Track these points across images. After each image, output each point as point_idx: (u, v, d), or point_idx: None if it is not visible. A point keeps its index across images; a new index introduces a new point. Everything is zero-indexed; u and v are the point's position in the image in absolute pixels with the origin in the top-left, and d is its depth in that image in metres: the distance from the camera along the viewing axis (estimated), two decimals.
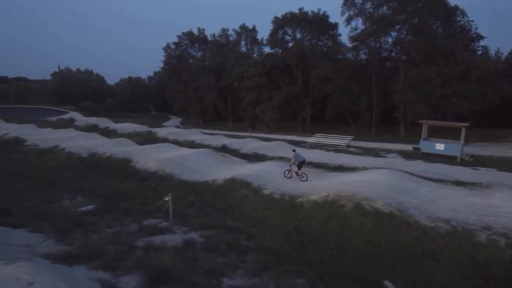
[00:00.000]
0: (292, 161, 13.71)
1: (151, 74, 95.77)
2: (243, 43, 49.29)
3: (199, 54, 55.52)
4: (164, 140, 27.45)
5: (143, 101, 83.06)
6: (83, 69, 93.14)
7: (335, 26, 41.41)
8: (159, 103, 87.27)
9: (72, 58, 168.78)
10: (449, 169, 18.24)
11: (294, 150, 14.88)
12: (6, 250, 5.63)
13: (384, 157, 22.89)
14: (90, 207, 10.32)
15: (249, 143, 26.90)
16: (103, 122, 39.67)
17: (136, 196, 12.15)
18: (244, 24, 47.69)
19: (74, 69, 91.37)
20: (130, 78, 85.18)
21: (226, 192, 12.40)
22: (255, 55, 49.81)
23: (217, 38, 49.16)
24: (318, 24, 40.67)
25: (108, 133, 30.51)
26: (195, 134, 31.21)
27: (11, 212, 8.61)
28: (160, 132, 30.08)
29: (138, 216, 9.87)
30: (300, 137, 38.07)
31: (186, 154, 17.81)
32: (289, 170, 13.66)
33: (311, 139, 30.69)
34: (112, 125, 36.19)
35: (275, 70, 43.03)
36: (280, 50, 43.15)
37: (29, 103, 57.05)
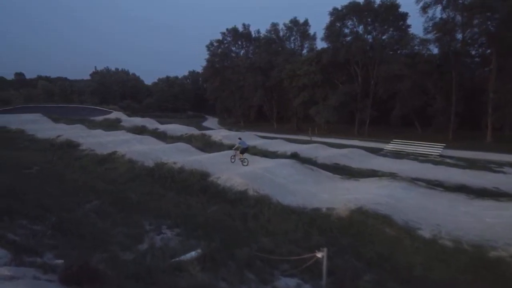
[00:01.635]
0: (236, 147, 15.85)
1: (186, 73, 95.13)
2: (292, 38, 45.65)
3: (242, 52, 52.77)
4: (220, 144, 24.69)
5: (179, 100, 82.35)
6: (119, 69, 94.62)
7: (405, 16, 36.51)
8: (194, 103, 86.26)
9: (108, 59, 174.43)
10: None
11: (240, 138, 17.03)
12: None
13: (502, 172, 18.29)
14: (194, 253, 7.30)
15: (319, 150, 23.33)
16: (149, 122, 37.87)
17: (238, 231, 9.04)
18: (295, 17, 44.17)
19: (113, 69, 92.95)
20: (167, 78, 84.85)
21: (360, 230, 8.93)
22: (304, 51, 46.08)
23: (266, 34, 45.99)
24: (386, 14, 35.98)
25: (159, 135, 28.34)
26: (252, 139, 28.13)
27: (100, 274, 5.73)
28: (214, 135, 27.32)
29: (265, 272, 6.71)
30: (362, 141, 33.87)
31: (270, 167, 14.58)
32: (234, 156, 15.83)
33: (389, 146, 26.47)
34: (159, 126, 34.12)
35: (331, 67, 39.01)
36: (337, 45, 38.86)
37: (73, 102, 57.42)
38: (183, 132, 30.97)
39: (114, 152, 17.53)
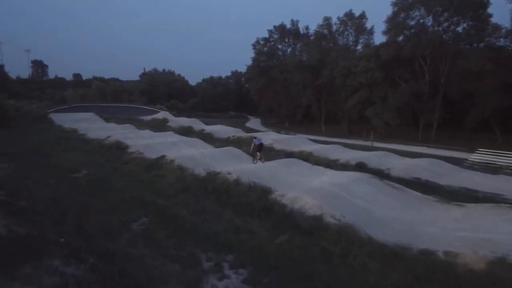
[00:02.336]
0: (252, 146, 15.91)
1: (229, 73, 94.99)
2: (345, 33, 41.86)
3: (289, 50, 50.16)
4: (271, 149, 22.41)
5: (222, 100, 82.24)
6: (165, 70, 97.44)
7: (485, 4, 30.98)
8: (236, 103, 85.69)
9: (155, 60, 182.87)
10: None
11: (255, 137, 17.53)
12: None
13: None
14: None
15: (389, 160, 19.93)
16: (195, 123, 37.07)
17: (324, 282, 6.60)
18: (350, 10, 40.32)
19: (160, 70, 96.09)
20: (211, 78, 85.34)
21: None
22: (358, 47, 42.04)
23: (317, 29, 42.80)
24: (461, 2, 30.76)
25: (205, 137, 27.02)
26: (304, 143, 25.52)
27: None
28: (264, 138, 25.07)
29: None
30: (431, 149, 29.32)
31: (342, 183, 11.86)
32: (254, 154, 15.75)
33: (474, 156, 22.01)
34: (205, 127, 32.97)
35: (393, 63, 34.69)
36: (402, 38, 34.29)
37: (123, 102, 59.53)
38: (229, 133, 29.36)
39: (163, 157, 16.13)
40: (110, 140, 20.51)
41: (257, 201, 10.36)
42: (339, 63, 37.00)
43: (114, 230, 8.43)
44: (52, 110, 39.86)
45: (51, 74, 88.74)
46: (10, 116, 28.39)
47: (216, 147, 20.71)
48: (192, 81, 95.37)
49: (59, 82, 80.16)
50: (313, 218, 9.18)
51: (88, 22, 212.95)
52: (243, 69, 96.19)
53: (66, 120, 32.86)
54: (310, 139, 29.43)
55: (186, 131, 29.71)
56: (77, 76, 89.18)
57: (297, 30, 47.16)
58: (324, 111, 44.66)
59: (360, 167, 17.16)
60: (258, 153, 15.48)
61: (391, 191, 12.03)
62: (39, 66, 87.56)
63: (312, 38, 44.97)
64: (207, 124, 39.04)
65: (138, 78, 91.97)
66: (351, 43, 41.79)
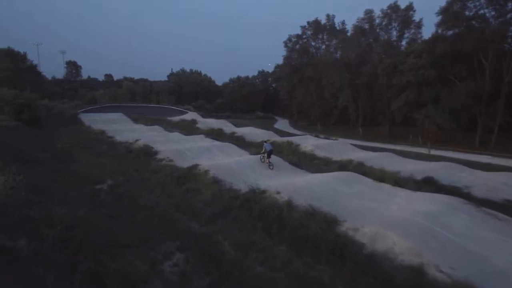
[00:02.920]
0: (263, 150, 15.41)
1: (255, 73, 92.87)
2: (389, 27, 37.96)
3: (323, 47, 47.04)
4: (312, 157, 19.81)
5: (249, 101, 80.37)
6: (193, 70, 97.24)
7: None
8: (262, 103, 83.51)
9: (183, 60, 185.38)
10: None
11: (265, 141, 17.44)
12: None
13: None
14: None
15: (459, 173, 16.62)
16: (224, 125, 35.18)
17: None
18: (396, 2, 36.46)
19: (187, 70, 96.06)
20: (238, 78, 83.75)
21: None
22: (403, 42, 38.10)
23: (357, 23, 39.24)
24: None
25: (237, 140, 24.95)
26: (349, 149, 22.64)
27: None
28: (302, 144, 22.52)
29: None
30: (497, 158, 25.23)
31: (431, 212, 9.03)
32: (263, 156, 15.34)
33: None
34: (235, 130, 30.87)
35: (446, 60, 30.65)
36: (461, 30, 29.97)
37: (152, 102, 59.30)
38: (262, 137, 27.03)
39: (195, 166, 14.09)
40: (139, 145, 18.91)
41: (322, 236, 7.86)
42: (383, 60, 33.40)
43: (141, 276, 6.36)
44: (83, 110, 39.80)
45: (84, 75, 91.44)
46: (42, 116, 27.97)
47: (252, 153, 18.41)
48: (219, 81, 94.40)
49: (92, 83, 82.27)
50: (410, 269, 6.54)
51: (120, 24, 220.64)
52: (269, 69, 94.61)
53: (96, 120, 32.24)
54: (353, 144, 26.39)
55: (217, 134, 27.81)
56: (108, 76, 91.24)
57: (332, 25, 43.95)
58: (361, 113, 41.07)
59: (430, 183, 14.08)
60: (268, 159, 15.01)
61: (496, 224, 9.05)
62: (73, 66, 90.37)
63: (350, 33, 41.52)
64: (236, 126, 37.08)
65: (166, 79, 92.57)
66: (394, 38, 37.94)
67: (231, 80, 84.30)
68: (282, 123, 64.76)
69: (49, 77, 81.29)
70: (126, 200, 10.86)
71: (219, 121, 37.49)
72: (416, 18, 36.49)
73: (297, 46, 47.23)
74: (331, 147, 21.92)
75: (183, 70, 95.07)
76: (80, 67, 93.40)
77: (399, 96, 32.29)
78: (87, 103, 48.40)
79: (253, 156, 17.31)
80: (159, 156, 16.67)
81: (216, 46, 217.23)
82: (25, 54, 37.83)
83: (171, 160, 15.98)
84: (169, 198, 11.18)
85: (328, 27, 44.08)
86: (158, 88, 72.89)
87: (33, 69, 38.35)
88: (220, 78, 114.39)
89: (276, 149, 21.07)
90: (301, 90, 46.21)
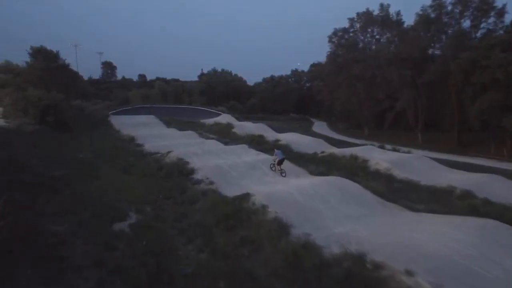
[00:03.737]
0: (273, 158, 14.44)
1: (288, 72, 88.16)
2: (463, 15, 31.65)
3: (373, 41, 41.46)
4: (391, 178, 15.14)
5: (283, 101, 76.00)
6: (224, 70, 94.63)
7: None
8: (296, 104, 78.82)
9: (213, 61, 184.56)
10: None
11: (277, 148, 15.57)
12: None
13: None
14: None
15: None
16: (263, 130, 31.25)
17: None
18: None
19: (219, 70, 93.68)
20: (272, 77, 79.77)
21: None
22: (479, 33, 31.71)
23: (422, 12, 33.28)
24: None
25: (284, 151, 20.91)
26: (435, 168, 17.56)
27: None
28: (371, 158, 17.80)
29: None
30: None
31: None
32: (274, 164, 14.40)
33: None
34: (277, 136, 26.73)
35: None
36: None
37: (184, 102, 56.99)
38: (312, 146, 22.72)
39: (247, 196, 10.24)
40: (171, 159, 15.45)
41: None
42: (459, 55, 27.45)
43: None
44: (114, 111, 37.91)
45: (119, 75, 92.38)
46: (71, 118, 25.78)
47: (313, 173, 14.21)
48: (250, 81, 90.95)
49: (126, 83, 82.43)
50: None
51: (152, 25, 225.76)
52: (303, 68, 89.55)
53: (126, 123, 29.77)
54: (441, 159, 20.97)
55: (257, 142, 23.95)
56: (142, 76, 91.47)
57: (387, 16, 38.33)
58: (422, 116, 35.11)
59: None
60: (278, 166, 14.17)
61: None
62: (108, 67, 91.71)
63: (406, 25, 35.69)
64: (274, 129, 33.02)
65: (197, 79, 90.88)
66: (468, 29, 31.65)
67: (264, 79, 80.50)
68: (320, 126, 59.73)
69: (86, 77, 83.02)
70: (153, 255, 7.17)
71: (257, 125, 33.63)
72: (498, 3, 30.01)
73: (342, 41, 42.01)
74: (410, 164, 17.05)
75: (214, 70, 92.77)
76: (116, 67, 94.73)
77: (481, 98, 26.23)
78: (119, 104, 46.92)
79: (318, 179, 13.10)
80: (196, 176, 13.01)
81: (245, 47, 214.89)
82: (57, 52, 36.42)
83: (211, 183, 12.25)
84: (216, 258, 7.31)
85: (381, 18, 38.54)
86: (190, 88, 70.83)
87: (65, 68, 36.83)
88: (250, 78, 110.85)
89: (334, 165, 16.74)
90: (345, 90, 40.99)
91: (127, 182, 12.72)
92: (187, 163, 14.45)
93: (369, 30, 41.41)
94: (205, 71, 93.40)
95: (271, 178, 13.65)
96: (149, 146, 19.19)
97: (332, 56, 41.77)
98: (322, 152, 20.08)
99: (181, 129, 28.19)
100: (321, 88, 48.97)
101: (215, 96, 76.24)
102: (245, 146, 19.00)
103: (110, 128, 27.10)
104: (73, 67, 73.06)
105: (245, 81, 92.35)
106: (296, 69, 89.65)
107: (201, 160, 15.34)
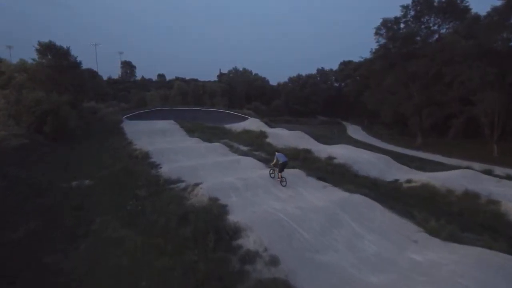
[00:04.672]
0: (274, 161, 12.17)
1: (314, 71, 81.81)
2: None
3: (429, 32, 34.74)
4: None
5: (310, 102, 69.80)
6: (245, 69, 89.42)
7: None
8: (323, 105, 72.55)
9: (231, 61, 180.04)
10: None
11: (277, 151, 13.59)
12: None
13: None
14: None
15: None
16: (303, 140, 25.65)
17: None
18: None
19: (240, 69, 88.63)
20: (298, 76, 73.82)
21: None
22: None
23: None
24: None
25: (341, 171, 15.32)
26: None
27: None
28: (470, 184, 11.80)
29: None
30: None
31: None
32: (273, 170, 12.48)
33: None
34: (328, 150, 21.00)
35: None
36: None
37: (205, 104, 52.27)
38: (382, 168, 16.93)
39: (319, 276, 4.67)
40: (200, 198, 10.19)
41: None
42: None
43: None
44: (129, 115, 33.51)
45: (138, 75, 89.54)
46: (73, 126, 21.31)
47: (438, 233, 8.47)
48: (273, 81, 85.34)
49: (144, 83, 79.18)
50: None
51: (171, 25, 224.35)
52: (330, 66, 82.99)
53: (141, 131, 25.05)
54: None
55: (304, 159, 18.45)
56: (161, 76, 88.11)
57: (452, 2, 31.61)
58: (500, 124, 28.20)
59: None
60: (280, 174, 11.78)
61: None
62: (127, 67, 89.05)
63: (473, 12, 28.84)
64: (317, 139, 27.32)
65: (216, 79, 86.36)
66: None
67: (290, 79, 74.61)
68: (355, 131, 53.36)
69: (105, 77, 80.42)
70: None
71: (294, 133, 28.00)
72: None
73: (390, 33, 35.53)
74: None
75: (235, 69, 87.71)
76: (135, 67, 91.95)
77: None
78: (136, 106, 42.69)
79: (470, 256, 7.39)
80: (246, 243, 7.60)
81: (268, 44, 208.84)
82: (68, 49, 32.35)
83: (274, 262, 6.84)
84: None
85: (444, 5, 31.88)
86: (211, 89, 66.06)
87: (77, 67, 32.76)
88: (274, 77, 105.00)
89: (439, 206, 10.92)
90: (398, 91, 34.47)
91: (133, 243, 7.57)
92: (225, 211, 9.11)
93: (425, 19, 34.71)
94: (225, 71, 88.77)
95: (365, 241, 8.08)
96: (168, 168, 14.08)
97: (381, 51, 35.14)
98: (408, 181, 14.18)
99: (206, 138, 23.05)
100: (352, 88, 42.34)
101: (236, 97, 71.28)
102: (300, 174, 13.41)
103: (121, 138, 22.37)
104: (93, 67, 70.50)
105: (267, 81, 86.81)
106: (322, 67, 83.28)
107: (245, 202, 9.98)
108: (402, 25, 35.46)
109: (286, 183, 11.77)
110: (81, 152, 18.16)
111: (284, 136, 26.21)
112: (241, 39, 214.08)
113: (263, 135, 25.84)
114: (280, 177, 11.94)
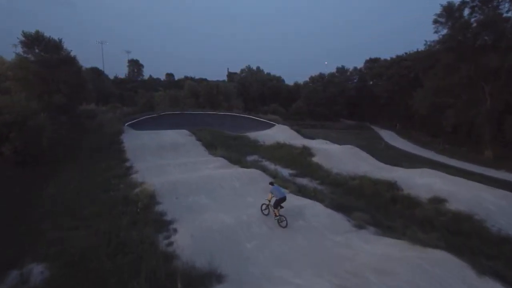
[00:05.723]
0: (269, 197, 9.65)
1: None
2: None
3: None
4: None
5: (333, 104, 62.72)
6: (259, 68, 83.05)
7: None
8: (347, 108, 65.63)
9: (240, 61, 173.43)
10: None
11: (271, 183, 10.39)
12: None
13: None
14: None
15: None
16: (361, 160, 19.21)
17: None
18: None
19: (254, 68, 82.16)
20: (321, 75, 66.94)
21: None
22: None
23: None
24: None
25: (460, 229, 8.79)
26: None
27: None
28: None
29: None
30: None
31: None
32: (267, 206, 9.88)
33: None
34: (392, 173, 14.51)
35: None
36: None
37: (220, 107, 45.97)
38: (468, 201, 10.35)
39: None
40: None
41: None
42: None
43: None
44: (132, 121, 27.49)
45: (146, 74, 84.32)
46: (47, 143, 15.18)
47: None
48: (289, 81, 78.57)
49: (152, 82, 73.74)
50: None
51: (179, 24, 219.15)
52: (351, 64, 75.96)
53: (145, 147, 18.85)
54: None
55: (373, 194, 12.05)
56: (169, 76, 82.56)
57: None
58: None
59: None
60: (276, 210, 9.44)
61: None
62: (135, 65, 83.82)
63: None
64: (373, 155, 20.81)
65: (225, 79, 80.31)
66: None
67: (311, 78, 67.73)
68: (392, 138, 46.50)
69: (111, 76, 75.29)
70: None
71: (345, 148, 21.44)
72: None
73: (456, 22, 28.31)
74: None
75: (248, 68, 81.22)
76: (142, 66, 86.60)
77: None
78: (142, 109, 36.70)
79: None
80: None
81: (282, 44, 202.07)
82: (60, 41, 26.51)
83: None
84: None
85: None
86: (225, 89, 59.70)
87: (71, 62, 26.85)
88: (289, 77, 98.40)
89: None
90: (466, 92, 27.42)
91: None
92: None
93: (495, 2, 27.57)
94: (231, 70, 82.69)
95: None
96: (188, 231, 7.82)
97: (447, 40, 27.50)
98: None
99: (234, 158, 16.69)
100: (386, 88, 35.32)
101: (250, 98, 65.01)
102: (398, 247, 6.88)
103: (118, 158, 16.19)
104: (99, 65, 65.10)
105: (283, 81, 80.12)
106: (343, 66, 76.01)
107: None
108: (466, 12, 28.41)
109: (286, 222, 9.37)
110: (56, 185, 12.08)
111: (334, 154, 19.70)
112: (247, 38, 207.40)
113: (307, 152, 19.37)
114: (277, 214, 9.45)
